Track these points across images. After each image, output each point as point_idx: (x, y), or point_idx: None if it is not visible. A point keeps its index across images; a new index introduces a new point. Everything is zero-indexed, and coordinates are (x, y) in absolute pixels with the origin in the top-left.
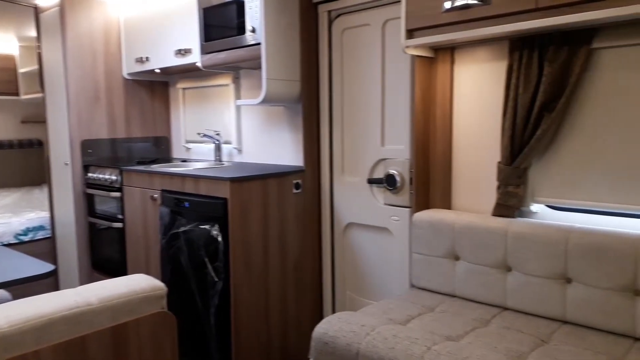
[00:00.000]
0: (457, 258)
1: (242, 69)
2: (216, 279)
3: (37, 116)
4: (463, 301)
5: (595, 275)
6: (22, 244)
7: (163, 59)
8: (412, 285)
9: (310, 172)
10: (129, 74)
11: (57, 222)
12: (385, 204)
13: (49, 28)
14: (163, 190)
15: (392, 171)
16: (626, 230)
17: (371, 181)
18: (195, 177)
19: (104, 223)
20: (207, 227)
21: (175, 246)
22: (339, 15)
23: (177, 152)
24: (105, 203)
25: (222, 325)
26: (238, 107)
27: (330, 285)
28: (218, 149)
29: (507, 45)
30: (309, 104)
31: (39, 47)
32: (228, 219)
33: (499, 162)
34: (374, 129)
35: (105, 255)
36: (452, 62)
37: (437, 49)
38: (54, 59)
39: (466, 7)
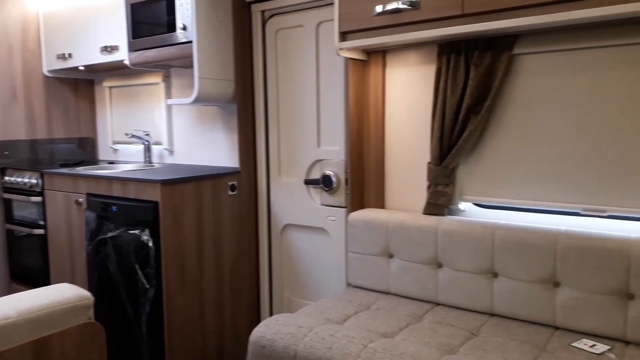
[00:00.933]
0: (390, 256)
1: (173, 67)
2: (147, 286)
3: None
4: (397, 298)
5: (518, 269)
6: None
7: (87, 55)
8: (349, 284)
9: (246, 174)
10: (50, 71)
11: None
12: (322, 205)
13: None
14: (89, 194)
15: (328, 172)
16: (546, 225)
17: (308, 182)
18: (123, 180)
19: (24, 230)
20: (136, 232)
21: (102, 253)
22: (272, 16)
23: (103, 153)
24: (25, 208)
25: (155, 333)
26: (169, 107)
27: (267, 288)
28: (148, 150)
29: (436, 49)
30: (244, 104)
31: None
32: (159, 223)
33: (429, 163)
34: (310, 130)
35: (26, 265)
36: (384, 65)
37: (369, 52)
38: None
39: (397, 11)
